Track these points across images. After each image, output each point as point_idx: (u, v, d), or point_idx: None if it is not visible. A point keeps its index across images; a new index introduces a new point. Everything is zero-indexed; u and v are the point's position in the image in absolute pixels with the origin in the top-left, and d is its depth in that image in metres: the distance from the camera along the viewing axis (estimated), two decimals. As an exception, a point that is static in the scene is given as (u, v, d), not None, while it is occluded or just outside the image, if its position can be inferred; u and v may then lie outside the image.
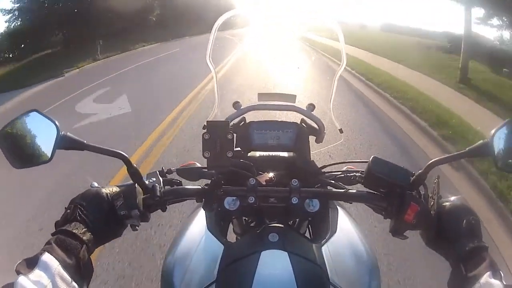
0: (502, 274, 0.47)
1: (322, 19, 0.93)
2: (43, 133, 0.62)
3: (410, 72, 8.82)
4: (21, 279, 0.42)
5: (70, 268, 0.48)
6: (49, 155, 0.60)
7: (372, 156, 0.66)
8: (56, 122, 0.60)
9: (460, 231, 0.55)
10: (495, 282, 0.46)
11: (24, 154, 0.62)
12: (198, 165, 0.85)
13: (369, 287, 0.68)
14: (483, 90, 6.93)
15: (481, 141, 0.59)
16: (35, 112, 0.61)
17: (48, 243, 0.50)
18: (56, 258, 0.47)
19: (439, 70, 8.77)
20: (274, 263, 0.59)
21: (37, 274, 0.44)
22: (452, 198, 0.62)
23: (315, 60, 11.78)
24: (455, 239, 0.55)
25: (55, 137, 0.60)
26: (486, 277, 0.46)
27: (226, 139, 0.63)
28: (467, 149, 0.60)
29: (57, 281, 0.45)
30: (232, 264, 0.61)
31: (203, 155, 0.64)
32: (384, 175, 0.63)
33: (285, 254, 0.60)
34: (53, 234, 0.52)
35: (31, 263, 0.45)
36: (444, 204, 0.60)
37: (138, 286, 1.87)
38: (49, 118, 0.61)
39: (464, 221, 0.56)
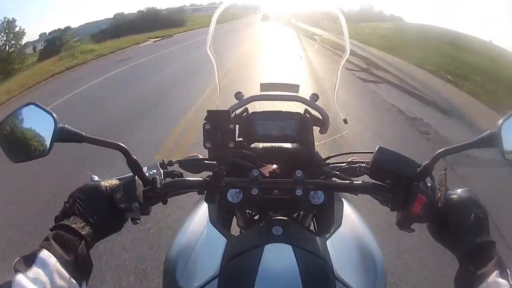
0: (509, 273, 0.46)
1: (327, 9, 0.91)
2: (40, 126, 0.60)
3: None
4: (19, 277, 0.41)
5: (69, 264, 0.47)
6: (47, 148, 0.59)
7: (378, 146, 0.64)
8: (54, 115, 0.59)
9: (468, 225, 0.54)
10: (503, 282, 0.45)
11: (21, 148, 0.61)
12: (201, 157, 0.84)
13: (375, 280, 0.67)
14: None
15: (488, 131, 0.58)
16: (32, 105, 0.60)
17: (46, 239, 0.49)
18: (54, 255, 0.46)
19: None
20: (278, 257, 0.59)
21: (35, 271, 0.43)
22: (460, 190, 0.60)
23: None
24: (462, 233, 0.54)
25: (53, 129, 0.58)
26: (494, 276, 0.46)
27: (227, 129, 0.62)
28: (474, 139, 0.58)
29: (55, 278, 0.44)
30: (235, 258, 0.60)
31: (204, 145, 0.62)
32: (390, 165, 0.61)
33: (289, 248, 0.59)
34: (51, 229, 0.51)
35: (29, 260, 0.44)
36: (451, 196, 0.59)
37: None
38: (46, 111, 0.59)
39: (472, 214, 0.55)
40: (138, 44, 16.88)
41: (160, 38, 19.09)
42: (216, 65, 0.97)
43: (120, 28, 23.68)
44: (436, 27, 18.28)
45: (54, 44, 18.61)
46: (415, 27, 18.45)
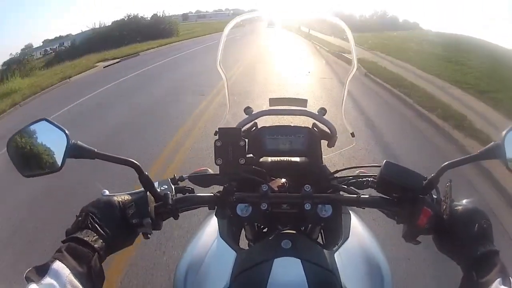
0: None
1: (334, 21, 0.91)
2: (53, 142, 0.61)
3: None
4: (31, 287, 0.41)
5: (81, 276, 0.47)
6: (59, 164, 0.60)
7: (385, 161, 0.65)
8: (66, 131, 0.59)
9: (472, 235, 0.55)
10: None
11: (33, 163, 0.62)
12: (210, 171, 0.85)
13: None
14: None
15: (492, 143, 0.58)
16: (44, 121, 0.61)
17: (59, 251, 0.49)
18: (67, 266, 0.46)
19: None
20: (287, 271, 0.59)
21: (47, 282, 0.43)
22: (464, 201, 0.61)
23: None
24: (467, 244, 0.55)
25: (65, 146, 0.59)
26: (497, 284, 0.46)
27: (238, 146, 0.63)
28: (478, 151, 0.59)
29: None
30: (245, 271, 0.60)
31: (215, 162, 0.64)
32: (397, 179, 0.62)
33: (298, 262, 0.59)
34: (63, 242, 0.51)
35: (42, 270, 0.44)
36: (456, 208, 0.59)
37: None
38: (58, 127, 0.60)
39: (477, 225, 0.55)
40: (80, 73, 11.06)
41: (118, 60, 13.47)
42: (226, 81, 0.98)
43: (87, 43, 20.09)
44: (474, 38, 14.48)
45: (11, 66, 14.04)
46: (453, 39, 14.05)
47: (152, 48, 17.33)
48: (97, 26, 25.41)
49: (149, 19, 28.10)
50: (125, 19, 26.51)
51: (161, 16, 28.96)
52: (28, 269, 0.44)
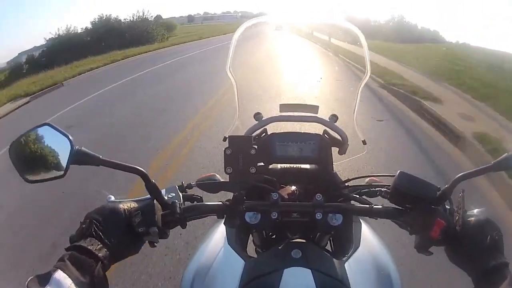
0: None
1: (347, 27, 0.89)
2: (56, 148, 0.60)
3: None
4: None
5: (84, 286, 0.46)
6: (62, 170, 0.58)
7: (399, 171, 0.64)
8: (70, 137, 0.58)
9: (484, 247, 0.55)
10: None
11: (36, 168, 0.61)
12: (218, 177, 0.84)
13: None
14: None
15: (505, 154, 0.59)
16: (47, 126, 0.60)
17: (61, 259, 0.48)
18: (69, 276, 0.45)
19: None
20: (297, 281, 0.58)
21: None
22: (476, 211, 0.61)
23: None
24: (478, 255, 0.55)
25: (69, 151, 0.58)
26: None
27: (249, 154, 0.62)
28: (492, 163, 0.59)
29: None
30: (254, 280, 0.60)
31: (225, 171, 0.62)
32: (411, 190, 0.62)
33: (308, 272, 0.59)
34: (67, 250, 0.50)
35: (43, 280, 0.44)
36: (469, 219, 0.59)
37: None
38: (62, 132, 0.59)
39: (489, 237, 0.56)
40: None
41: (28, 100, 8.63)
42: (236, 86, 0.97)
43: (50, 55, 16.99)
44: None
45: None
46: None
47: (118, 60, 13.62)
48: (74, 30, 21.75)
49: (127, 21, 23.96)
50: (97, 21, 22.48)
51: (140, 18, 24.32)
52: (30, 278, 0.43)
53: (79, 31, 22.06)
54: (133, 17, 24.49)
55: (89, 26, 22.48)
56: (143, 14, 24.82)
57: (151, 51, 16.90)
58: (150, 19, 25.26)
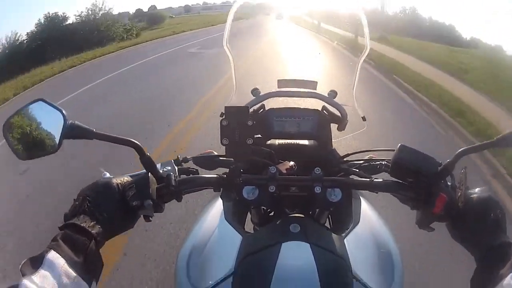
0: None
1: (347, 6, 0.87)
2: (49, 123, 0.59)
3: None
4: (26, 281, 0.40)
5: (78, 265, 0.46)
6: (56, 145, 0.58)
7: (400, 144, 0.63)
8: (63, 111, 0.57)
9: (487, 225, 0.55)
10: None
11: (30, 145, 0.60)
12: (215, 153, 0.83)
13: (392, 279, 0.67)
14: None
15: (509, 131, 0.58)
16: (41, 102, 0.59)
17: (54, 239, 0.47)
18: (62, 256, 0.45)
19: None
20: (295, 255, 0.58)
21: (42, 274, 0.42)
22: (478, 189, 0.60)
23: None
24: (481, 234, 0.55)
25: (62, 126, 0.57)
26: (509, 279, 0.46)
27: (246, 125, 0.61)
28: (495, 138, 0.59)
29: (64, 280, 0.43)
30: (251, 255, 0.59)
31: (221, 142, 0.61)
32: (412, 164, 0.61)
33: (307, 246, 0.58)
34: (60, 228, 0.50)
35: (36, 262, 0.43)
36: (471, 196, 0.59)
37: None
38: (55, 107, 0.58)
39: (491, 214, 0.55)
40: None
41: None
42: (233, 61, 0.97)
43: None
44: None
45: None
46: None
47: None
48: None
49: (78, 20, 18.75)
50: (43, 22, 17.25)
51: (93, 14, 19.01)
52: (23, 261, 0.43)
53: (24, 37, 16.83)
54: (81, 15, 19.19)
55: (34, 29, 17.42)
56: (98, 10, 19.65)
57: (97, 57, 13.23)
58: (110, 15, 20.03)
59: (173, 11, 53.02)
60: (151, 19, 29.25)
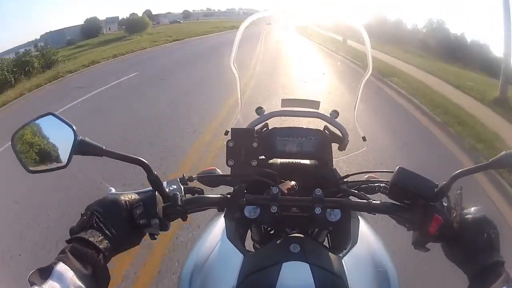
0: None
1: (349, 22, 0.90)
2: (59, 138, 0.60)
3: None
4: None
5: (86, 278, 0.46)
6: (65, 160, 0.58)
7: (398, 167, 0.64)
8: (74, 127, 0.58)
9: (481, 245, 0.56)
10: None
11: (38, 158, 0.60)
12: (218, 171, 0.84)
13: None
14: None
15: (504, 152, 0.59)
16: (51, 116, 0.60)
17: (63, 252, 0.48)
18: (71, 268, 0.45)
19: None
20: (295, 275, 0.58)
21: (51, 285, 0.42)
22: (473, 209, 0.62)
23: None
24: (475, 253, 0.56)
25: (72, 142, 0.57)
26: None
27: (251, 147, 0.62)
28: (490, 160, 0.60)
29: None
30: (252, 274, 0.60)
31: (226, 163, 0.63)
32: (409, 186, 0.62)
33: (306, 266, 0.59)
34: (68, 242, 0.50)
35: (45, 273, 0.44)
36: (466, 216, 0.60)
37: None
38: (65, 122, 0.59)
39: (485, 234, 0.56)
40: None
41: None
42: (239, 81, 0.97)
43: None
44: None
45: None
46: None
47: None
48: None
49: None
50: None
51: None
52: (31, 272, 0.43)
53: None
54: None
55: None
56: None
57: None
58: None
59: (172, 17, 52.88)
60: (131, 27, 26.88)
